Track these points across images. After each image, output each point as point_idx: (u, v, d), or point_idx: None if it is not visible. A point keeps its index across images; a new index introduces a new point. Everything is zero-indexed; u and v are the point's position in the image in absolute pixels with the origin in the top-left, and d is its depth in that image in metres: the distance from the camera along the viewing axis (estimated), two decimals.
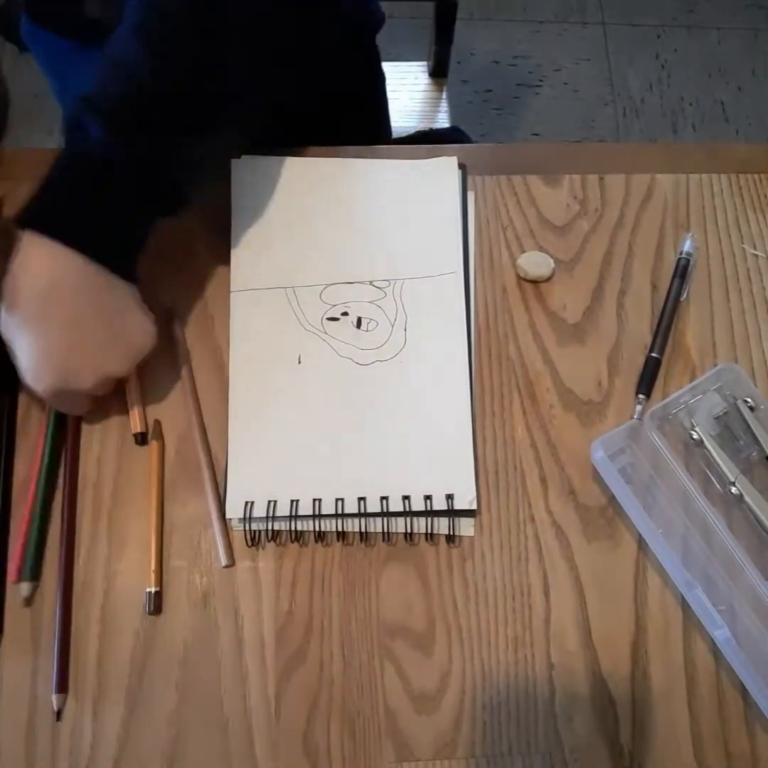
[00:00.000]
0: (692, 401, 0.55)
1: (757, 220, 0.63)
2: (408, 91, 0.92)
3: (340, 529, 0.51)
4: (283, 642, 0.50)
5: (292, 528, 0.51)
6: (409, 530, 0.51)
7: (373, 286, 0.57)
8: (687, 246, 0.60)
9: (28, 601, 0.49)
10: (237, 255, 0.57)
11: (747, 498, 0.52)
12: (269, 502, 0.51)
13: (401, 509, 0.51)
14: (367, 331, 0.55)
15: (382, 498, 0.51)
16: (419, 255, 0.58)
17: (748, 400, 0.54)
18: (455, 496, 0.51)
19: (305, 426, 0.53)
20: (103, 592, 0.50)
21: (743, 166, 0.64)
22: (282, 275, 0.57)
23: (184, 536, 0.52)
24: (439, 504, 0.51)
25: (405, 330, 0.56)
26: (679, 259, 0.60)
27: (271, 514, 0.51)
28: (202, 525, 0.52)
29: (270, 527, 0.51)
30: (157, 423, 0.54)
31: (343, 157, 0.61)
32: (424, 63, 1.42)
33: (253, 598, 0.50)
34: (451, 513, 0.51)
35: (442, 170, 0.60)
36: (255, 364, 0.54)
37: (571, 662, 0.50)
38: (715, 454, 0.53)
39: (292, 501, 0.51)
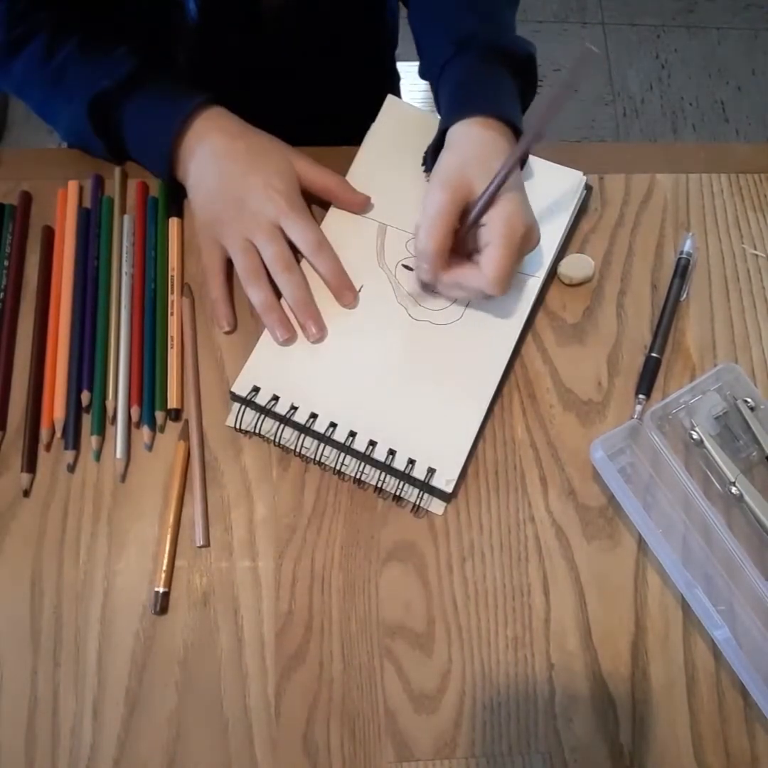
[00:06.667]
0: (692, 401, 0.55)
1: (757, 220, 0.63)
2: (408, 91, 0.93)
3: (320, 455, 0.52)
4: (283, 642, 0.50)
5: (279, 435, 0.52)
6: (381, 484, 0.51)
7: None
8: (687, 246, 0.60)
9: None
10: (353, 176, 0.59)
11: (747, 498, 0.52)
12: (273, 395, 0.52)
13: (383, 460, 0.51)
14: (432, 291, 0.56)
15: (371, 442, 0.51)
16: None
17: (748, 400, 0.54)
18: (436, 472, 0.51)
19: (338, 349, 0.54)
20: (103, 591, 0.50)
21: (743, 166, 0.64)
22: (382, 210, 0.58)
23: (184, 536, 0.52)
24: (419, 473, 0.51)
25: (466, 307, 0.56)
26: (679, 259, 0.60)
27: (268, 406, 0.52)
28: (192, 526, 0.52)
29: (260, 419, 0.52)
30: (185, 422, 0.54)
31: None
32: None
33: (253, 598, 0.50)
34: (427, 486, 0.51)
35: (567, 181, 0.60)
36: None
37: (571, 662, 0.50)
38: (715, 454, 0.53)
39: (292, 405, 0.52)
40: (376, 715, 0.49)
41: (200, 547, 0.51)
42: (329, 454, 0.52)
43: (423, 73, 0.63)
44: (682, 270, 0.59)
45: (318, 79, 0.72)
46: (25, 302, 0.57)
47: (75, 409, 0.53)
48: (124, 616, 0.50)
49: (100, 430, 0.53)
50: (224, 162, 0.55)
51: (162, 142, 0.56)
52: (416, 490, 0.52)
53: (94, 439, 0.53)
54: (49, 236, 0.58)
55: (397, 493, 0.52)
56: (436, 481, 0.51)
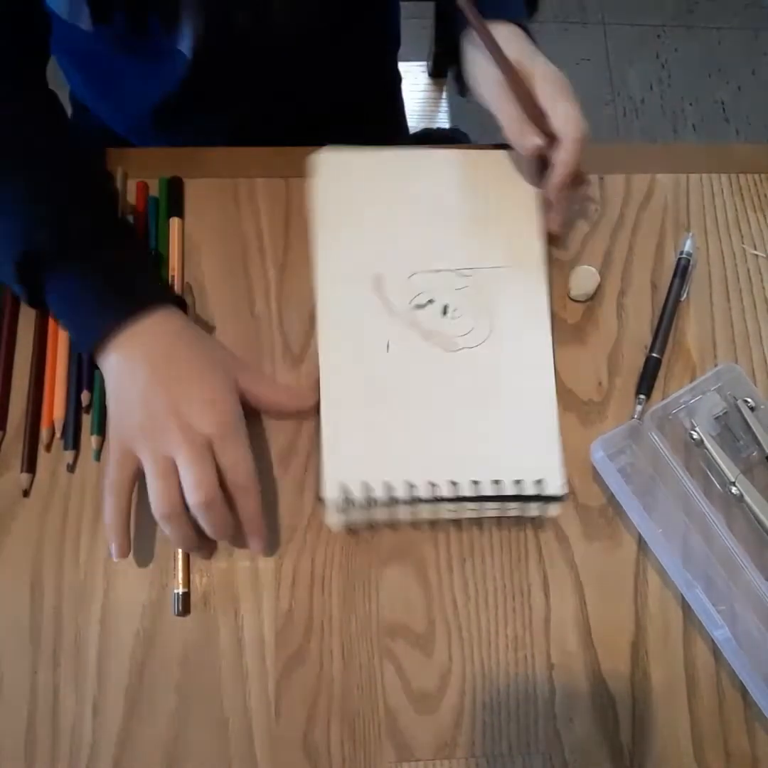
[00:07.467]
0: (692, 401, 0.55)
1: (757, 220, 0.62)
2: (408, 91, 0.93)
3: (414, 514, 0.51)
4: (283, 642, 0.50)
5: (392, 514, 0.51)
6: (482, 514, 0.52)
7: (459, 274, 0.57)
8: (687, 246, 0.60)
9: None
10: (323, 245, 0.57)
11: (747, 498, 0.52)
12: (365, 483, 0.51)
13: (492, 494, 0.51)
14: (452, 318, 0.56)
15: (473, 482, 0.51)
16: (502, 245, 0.58)
17: (748, 400, 0.54)
18: (544, 481, 0.51)
19: (395, 413, 0.53)
20: (103, 592, 0.50)
21: (743, 166, 0.64)
22: (369, 264, 0.57)
23: None
24: (529, 489, 0.51)
25: (490, 318, 0.56)
26: (679, 259, 0.60)
27: (368, 496, 0.50)
28: None
29: (369, 509, 0.51)
30: None
31: None
32: (424, 63, 1.41)
33: (253, 598, 0.50)
34: (541, 498, 0.51)
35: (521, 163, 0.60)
36: (345, 351, 0.54)
37: (571, 662, 0.50)
38: (715, 454, 0.53)
39: (385, 483, 0.51)
40: (376, 715, 0.49)
41: None
42: (423, 508, 0.51)
43: None
44: (683, 270, 0.59)
45: (319, 79, 0.72)
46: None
47: (75, 409, 0.53)
48: (124, 616, 0.50)
49: (101, 429, 0.53)
50: (160, 367, 0.49)
51: (90, 334, 0.49)
52: (521, 505, 0.51)
53: (94, 439, 0.53)
54: None
55: (503, 514, 0.52)
56: (549, 490, 0.51)
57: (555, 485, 0.51)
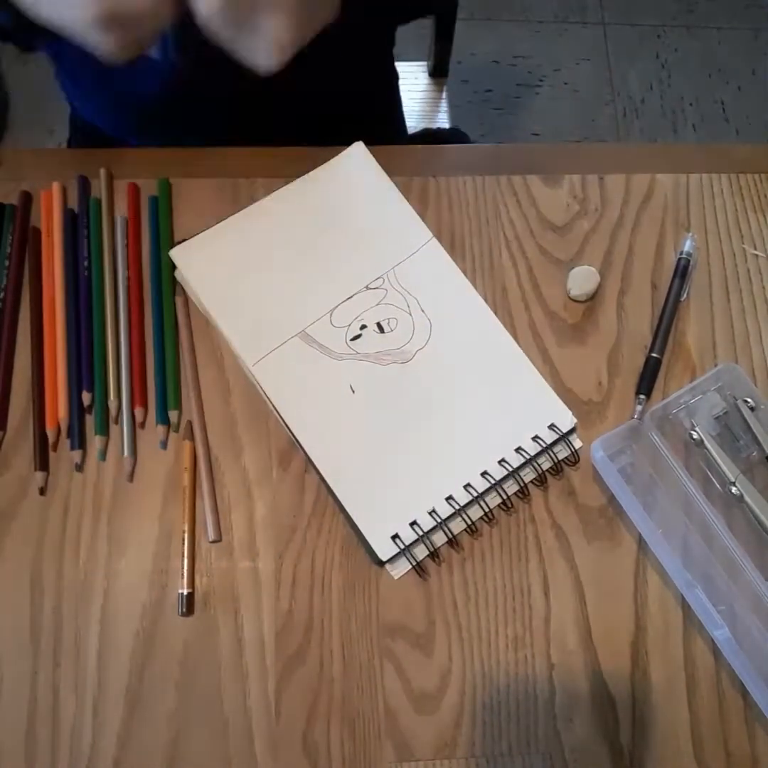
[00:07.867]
0: (692, 401, 0.55)
1: (757, 220, 0.63)
2: (408, 91, 0.93)
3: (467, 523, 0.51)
4: (283, 642, 0.50)
5: (450, 533, 0.51)
6: (522, 484, 0.53)
7: (372, 288, 0.57)
8: (687, 246, 0.60)
9: None
10: (232, 330, 0.54)
11: (747, 498, 0.52)
12: (411, 522, 0.51)
13: (520, 463, 0.52)
14: (391, 331, 0.56)
15: (500, 461, 0.52)
16: (391, 240, 0.58)
17: (748, 400, 0.54)
18: (556, 424, 0.54)
19: (395, 444, 0.53)
20: (103, 591, 0.50)
21: (743, 166, 0.64)
22: (285, 326, 0.55)
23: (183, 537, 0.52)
24: (550, 437, 0.53)
25: (423, 311, 0.56)
26: (679, 259, 0.60)
27: (422, 533, 0.50)
28: (200, 525, 0.52)
29: (426, 543, 0.51)
30: (188, 423, 0.54)
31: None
32: (424, 63, 1.41)
33: (253, 598, 0.50)
34: (559, 439, 0.53)
35: (358, 158, 0.60)
36: (314, 420, 0.53)
37: (571, 662, 0.50)
38: (715, 454, 0.53)
39: (429, 512, 0.51)
40: (376, 715, 0.49)
41: (213, 541, 0.51)
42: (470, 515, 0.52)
43: None
44: (683, 270, 0.59)
45: (316, 78, 0.72)
46: (25, 302, 0.57)
47: (77, 410, 0.53)
48: (124, 616, 0.50)
49: (104, 430, 0.53)
50: None
51: None
52: (545, 458, 0.53)
53: (98, 439, 0.53)
54: (36, 237, 0.58)
55: (541, 472, 0.53)
56: (564, 426, 0.53)
57: (566, 421, 0.54)
